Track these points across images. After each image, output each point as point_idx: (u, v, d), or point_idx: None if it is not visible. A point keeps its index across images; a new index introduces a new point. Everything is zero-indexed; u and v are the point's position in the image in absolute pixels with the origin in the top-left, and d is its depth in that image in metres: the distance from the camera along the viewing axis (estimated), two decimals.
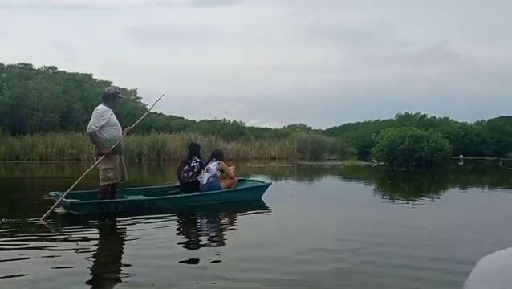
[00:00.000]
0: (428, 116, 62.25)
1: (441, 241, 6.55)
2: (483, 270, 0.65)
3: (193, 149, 10.65)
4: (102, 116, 8.35)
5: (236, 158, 36.35)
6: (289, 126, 63.75)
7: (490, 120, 66.54)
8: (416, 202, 11.88)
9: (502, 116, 72.63)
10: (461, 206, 11.59)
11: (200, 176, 10.12)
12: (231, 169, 10.63)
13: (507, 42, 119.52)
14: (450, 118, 63.48)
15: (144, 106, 44.87)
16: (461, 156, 40.97)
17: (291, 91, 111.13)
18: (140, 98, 50.74)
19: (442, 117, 63.85)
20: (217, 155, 10.44)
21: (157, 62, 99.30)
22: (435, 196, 14.73)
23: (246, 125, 51.78)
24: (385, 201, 13.02)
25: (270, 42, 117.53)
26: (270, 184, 11.09)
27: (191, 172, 10.16)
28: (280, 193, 12.09)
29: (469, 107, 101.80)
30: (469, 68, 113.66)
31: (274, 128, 59.96)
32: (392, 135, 28.10)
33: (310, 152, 43.58)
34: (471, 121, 62.98)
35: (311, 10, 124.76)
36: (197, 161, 10.29)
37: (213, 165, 10.10)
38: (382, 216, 9.13)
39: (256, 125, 61.18)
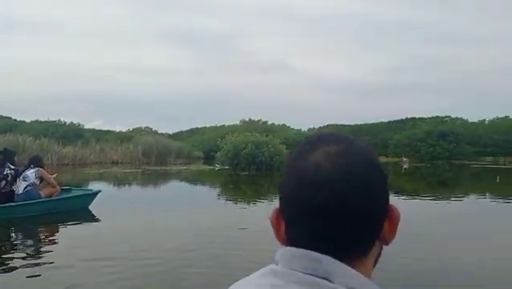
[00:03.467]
0: (269, 123, 66.58)
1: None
2: None
3: (6, 156, 9.20)
4: None
5: (72, 163, 33.30)
6: (133, 129, 61.30)
7: (320, 128, 74.48)
8: (257, 204, 12.26)
9: (330, 124, 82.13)
10: None
11: (15, 185, 8.89)
12: (52, 177, 9.55)
13: (338, 58, 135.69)
14: (287, 125, 69.02)
15: None
16: None
17: (137, 93, 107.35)
18: None
19: (281, 124, 69.03)
20: (35, 161, 9.31)
21: None
22: (273, 197, 15.60)
23: (86, 127, 48.21)
24: (228, 204, 13.15)
25: (117, 41, 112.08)
26: (99, 192, 10.22)
27: (4, 182, 8.79)
28: (118, 201, 11.25)
29: (302, 115, 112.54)
30: (304, 79, 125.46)
31: (118, 130, 57.07)
32: (236, 140, 29.04)
33: (155, 157, 42.38)
34: (305, 128, 69.51)
35: (161, 12, 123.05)
36: (11, 169, 8.95)
37: (30, 173, 8.96)
38: (228, 220, 9.12)
39: (97, 127, 57.48)
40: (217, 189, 18.65)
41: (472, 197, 17.53)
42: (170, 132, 69.48)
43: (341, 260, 0.58)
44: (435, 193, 19.18)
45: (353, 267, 0.59)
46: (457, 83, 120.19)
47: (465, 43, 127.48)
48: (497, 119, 73.15)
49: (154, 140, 45.74)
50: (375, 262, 0.65)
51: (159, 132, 62.15)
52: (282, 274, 0.59)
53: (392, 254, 6.97)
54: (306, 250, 0.59)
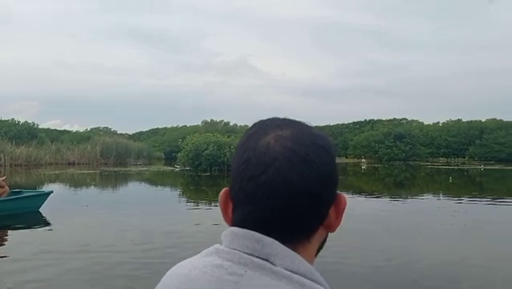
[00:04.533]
0: (231, 124, 66.55)
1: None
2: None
3: None
4: None
5: (26, 164, 31.98)
6: (92, 129, 59.62)
7: None
8: (216, 206, 12.19)
9: None
10: None
11: None
12: (1, 179, 9.09)
13: (300, 60, 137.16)
14: (249, 126, 68.89)
15: None
16: None
17: (96, 93, 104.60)
18: None
19: (243, 125, 69.17)
20: None
21: None
22: None
23: (41, 127, 46.39)
24: (188, 205, 13.01)
25: (75, 40, 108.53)
26: (51, 192, 9.85)
27: None
28: (72, 203, 10.89)
29: (264, 116, 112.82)
30: (266, 81, 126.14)
31: (75, 130, 55.34)
32: (197, 141, 28.79)
33: (114, 158, 41.36)
34: None
35: (121, 11, 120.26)
36: None
37: None
38: (187, 221, 9.03)
39: (53, 127, 55.51)
40: (178, 191, 18.42)
41: (427, 197, 18.18)
42: (130, 133, 68.13)
43: (284, 243, 0.58)
44: (392, 193, 19.76)
45: (296, 251, 0.59)
46: (414, 86, 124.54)
47: (422, 49, 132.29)
48: (451, 121, 76.31)
49: (113, 140, 44.60)
50: (319, 248, 0.65)
51: (118, 132, 60.79)
52: (224, 253, 0.59)
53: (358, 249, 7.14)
54: (248, 230, 0.58)
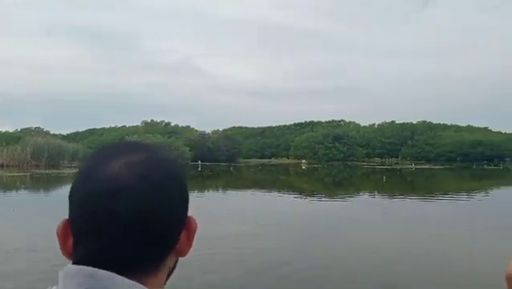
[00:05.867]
0: (173, 124, 65.39)
1: None
2: None
3: None
4: None
5: None
6: (22, 129, 56.16)
7: (224, 130, 75.01)
8: None
9: (234, 126, 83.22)
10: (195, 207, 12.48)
11: None
12: None
13: (245, 62, 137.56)
14: (192, 126, 68.35)
15: None
16: (200, 162, 44.41)
17: (29, 91, 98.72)
18: None
19: (185, 125, 68.18)
20: None
21: None
22: None
23: None
24: None
25: (7, 36, 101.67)
26: None
27: None
28: None
29: (208, 117, 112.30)
30: (210, 82, 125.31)
31: (5, 131, 51.80)
32: None
33: (46, 159, 39.18)
34: (209, 130, 69.42)
35: (55, 6, 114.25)
36: None
37: None
38: None
39: None
40: None
41: (362, 196, 18.89)
42: (64, 133, 64.93)
43: (132, 273, 0.54)
44: (331, 192, 20.33)
45: (145, 280, 0.56)
46: (351, 89, 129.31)
47: (361, 53, 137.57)
48: (385, 123, 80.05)
49: (45, 141, 42.21)
50: (170, 274, 0.62)
51: (51, 132, 57.68)
52: None
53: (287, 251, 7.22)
54: (82, 266, 0.54)
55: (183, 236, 0.59)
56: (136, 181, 0.55)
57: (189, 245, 0.61)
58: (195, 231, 0.61)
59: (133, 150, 0.58)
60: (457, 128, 73.59)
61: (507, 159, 60.36)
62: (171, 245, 0.58)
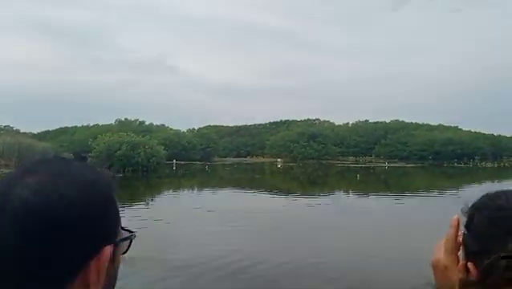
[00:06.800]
0: (147, 123, 64.54)
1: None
2: None
3: None
4: None
5: None
6: None
7: (200, 128, 74.64)
8: (132, 208, 11.73)
9: (209, 125, 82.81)
10: (168, 206, 12.51)
11: None
12: None
13: (219, 61, 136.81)
14: (166, 125, 67.63)
15: None
16: (174, 161, 44.03)
17: None
18: None
19: (159, 124, 67.38)
20: None
21: None
22: (150, 200, 15.52)
23: None
24: None
25: None
26: None
27: None
28: None
29: (183, 115, 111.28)
30: (184, 80, 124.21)
31: None
32: (110, 140, 27.55)
33: (16, 159, 38.04)
34: (184, 128, 68.85)
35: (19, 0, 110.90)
36: None
37: None
38: None
39: None
40: None
41: (337, 194, 19.09)
42: (35, 132, 63.25)
43: None
44: (306, 191, 20.46)
45: None
46: (325, 88, 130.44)
47: (334, 53, 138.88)
48: (359, 122, 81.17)
49: (15, 140, 40.98)
50: None
51: (21, 131, 56.04)
52: None
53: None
54: None
55: (92, 267, 0.52)
56: (23, 206, 0.51)
57: (101, 278, 0.53)
58: (105, 263, 0.54)
59: (34, 171, 0.53)
60: (428, 127, 75.25)
61: (477, 157, 62.11)
62: (73, 277, 0.52)
